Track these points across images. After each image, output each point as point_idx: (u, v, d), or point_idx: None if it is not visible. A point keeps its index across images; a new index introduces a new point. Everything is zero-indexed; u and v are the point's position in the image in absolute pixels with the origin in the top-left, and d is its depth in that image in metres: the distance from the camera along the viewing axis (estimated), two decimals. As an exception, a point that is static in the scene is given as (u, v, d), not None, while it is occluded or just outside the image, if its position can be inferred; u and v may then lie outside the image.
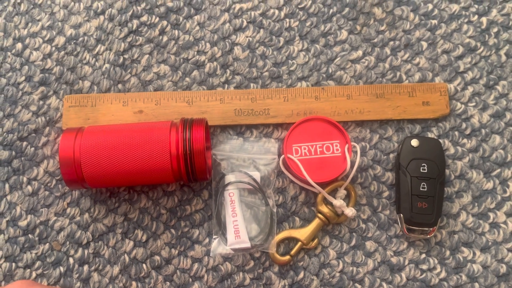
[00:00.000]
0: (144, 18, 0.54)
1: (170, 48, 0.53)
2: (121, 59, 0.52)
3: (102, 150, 0.44)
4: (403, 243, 0.48)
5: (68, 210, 0.49)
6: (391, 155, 0.50)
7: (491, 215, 0.49)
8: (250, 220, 0.48)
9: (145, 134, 0.45)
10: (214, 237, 0.48)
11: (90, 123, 0.50)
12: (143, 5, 0.54)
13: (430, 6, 0.54)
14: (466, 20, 0.53)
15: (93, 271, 0.48)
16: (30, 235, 0.48)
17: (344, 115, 0.51)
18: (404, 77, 0.52)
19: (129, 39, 0.53)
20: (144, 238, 0.48)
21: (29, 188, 0.49)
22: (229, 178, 0.49)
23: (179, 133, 0.45)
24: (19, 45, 0.53)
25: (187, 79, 0.52)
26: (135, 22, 0.53)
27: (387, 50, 0.53)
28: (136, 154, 0.44)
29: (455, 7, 0.54)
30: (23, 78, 0.52)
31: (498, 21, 0.53)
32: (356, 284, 0.47)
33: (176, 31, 0.53)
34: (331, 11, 0.54)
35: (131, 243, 0.48)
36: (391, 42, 0.53)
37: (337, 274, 0.48)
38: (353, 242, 0.48)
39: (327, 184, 0.48)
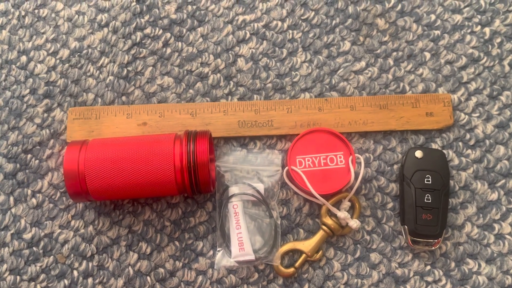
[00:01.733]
0: (148, 31, 0.54)
1: (173, 60, 0.53)
2: (125, 71, 0.53)
3: (107, 163, 0.44)
4: (407, 254, 0.48)
5: (72, 222, 0.49)
6: (395, 166, 0.50)
7: (496, 226, 0.48)
8: (254, 232, 0.48)
9: (149, 147, 0.45)
10: (218, 249, 0.48)
11: (94, 136, 0.50)
12: (146, 17, 0.54)
13: (433, 17, 0.54)
14: (469, 30, 0.53)
15: (98, 284, 0.48)
16: (34, 248, 0.49)
17: (347, 126, 0.51)
18: (407, 88, 0.52)
19: (132, 51, 0.53)
20: (148, 250, 0.48)
21: (34, 200, 0.50)
22: (233, 190, 0.49)
23: (183, 146, 0.45)
24: (23, 58, 0.53)
25: (191, 91, 0.52)
26: (139, 34, 0.54)
27: (390, 61, 0.53)
28: (140, 167, 0.44)
29: (458, 18, 0.54)
30: (28, 91, 0.52)
31: (501, 32, 0.53)
32: (361, 296, 0.47)
33: (180, 43, 0.54)
34: (334, 22, 0.54)
35: (135, 255, 0.48)
36: (394, 53, 0.53)
37: (342, 286, 0.47)
38: (358, 254, 0.48)
39: (331, 196, 0.48)
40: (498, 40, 0.53)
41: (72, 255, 0.48)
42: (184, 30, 0.54)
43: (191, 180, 0.45)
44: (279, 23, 0.54)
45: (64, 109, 0.52)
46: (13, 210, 0.49)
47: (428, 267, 0.48)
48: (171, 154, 0.44)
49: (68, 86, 0.52)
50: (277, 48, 0.53)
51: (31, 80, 0.52)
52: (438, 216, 0.46)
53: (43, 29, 0.54)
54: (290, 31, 0.54)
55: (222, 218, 0.48)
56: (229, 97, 0.52)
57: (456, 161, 0.50)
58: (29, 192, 0.50)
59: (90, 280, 0.48)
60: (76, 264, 0.48)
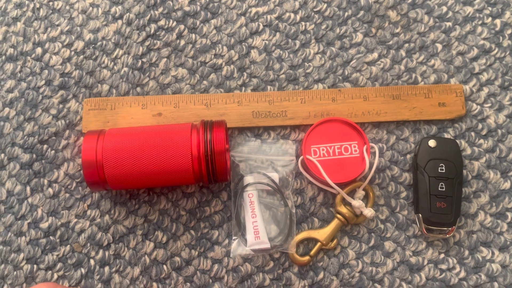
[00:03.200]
0: (162, 22, 0.54)
1: (187, 51, 0.54)
2: (139, 63, 0.53)
3: (124, 152, 0.45)
4: (421, 243, 0.48)
5: (89, 212, 0.50)
6: (408, 156, 0.51)
7: (509, 214, 0.49)
8: (269, 221, 0.49)
9: (166, 136, 0.45)
10: (233, 238, 0.48)
11: (110, 126, 0.51)
12: (160, 9, 0.55)
13: (445, 9, 0.54)
14: (480, 22, 0.54)
15: (114, 273, 0.48)
16: (51, 237, 0.49)
17: (361, 117, 0.51)
18: (419, 78, 0.53)
19: (147, 43, 0.54)
20: (164, 239, 0.49)
21: (50, 190, 0.50)
22: (248, 179, 0.49)
23: (200, 135, 0.45)
24: (38, 50, 0.53)
25: (205, 82, 0.53)
26: (153, 26, 0.54)
27: (402, 52, 0.53)
28: (157, 156, 0.45)
29: (469, 10, 0.54)
30: (43, 82, 0.53)
31: (511, 23, 0.54)
32: (376, 284, 0.48)
33: (193, 35, 0.54)
34: (346, 14, 0.54)
35: (152, 244, 0.49)
36: (406, 44, 0.53)
37: (357, 274, 0.48)
38: (372, 243, 0.49)
39: (345, 185, 0.49)
40: (509, 31, 0.54)
41: (88, 244, 0.49)
42: (198, 22, 0.54)
43: (208, 169, 0.45)
44: (292, 15, 0.55)
45: (79, 100, 0.52)
46: (29, 199, 0.50)
47: (442, 255, 0.48)
48: (188, 143, 0.45)
49: (83, 77, 0.53)
50: (290, 40, 0.54)
51: (46, 71, 0.53)
52: (452, 204, 0.47)
53: (58, 21, 0.54)
54: (303, 23, 0.54)
55: (238, 207, 0.49)
56: (243, 88, 0.53)
57: (469, 151, 0.51)
58: (46, 182, 0.50)
59: (106, 268, 0.48)
60: (93, 253, 0.49)
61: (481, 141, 0.51)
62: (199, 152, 0.45)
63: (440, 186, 0.47)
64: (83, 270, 0.48)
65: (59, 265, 0.48)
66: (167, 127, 0.47)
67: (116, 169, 0.45)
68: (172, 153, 0.45)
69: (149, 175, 0.45)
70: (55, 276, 0.48)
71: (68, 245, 0.49)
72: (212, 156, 0.45)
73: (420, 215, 0.47)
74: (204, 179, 0.46)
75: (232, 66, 0.53)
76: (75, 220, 0.49)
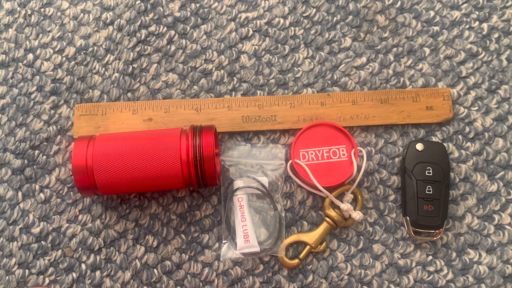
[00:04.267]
0: (152, 28, 0.55)
1: (178, 57, 0.54)
2: (130, 68, 0.54)
3: (114, 158, 0.45)
4: (410, 245, 0.49)
5: (80, 217, 0.50)
6: (397, 159, 0.51)
7: (496, 217, 0.50)
8: (259, 225, 0.49)
9: (156, 141, 0.46)
10: (223, 241, 0.49)
11: (101, 131, 0.51)
12: (151, 15, 0.55)
13: (432, 13, 0.55)
14: (467, 26, 0.54)
15: (105, 277, 0.49)
16: (43, 242, 0.49)
17: (349, 121, 0.52)
18: (407, 82, 0.53)
19: (137, 49, 0.54)
20: (155, 243, 0.49)
21: (42, 195, 0.50)
22: (238, 183, 0.50)
23: (189, 140, 0.46)
24: (30, 56, 0.54)
25: (195, 87, 0.53)
26: (144, 32, 0.55)
27: (391, 57, 0.54)
28: (147, 161, 0.45)
29: (456, 14, 0.55)
30: (35, 88, 0.53)
31: (498, 27, 0.54)
32: (365, 287, 0.48)
33: (184, 40, 0.55)
34: (335, 19, 0.55)
35: (142, 248, 0.49)
36: (394, 49, 0.54)
37: (346, 277, 0.48)
38: (361, 245, 0.49)
39: (334, 188, 0.49)
40: (496, 35, 0.54)
41: (80, 248, 0.49)
42: (188, 28, 0.55)
43: (197, 173, 0.45)
44: (281, 20, 0.55)
45: (71, 106, 0.53)
46: (21, 205, 0.50)
47: (430, 257, 0.49)
48: (178, 148, 0.45)
49: (74, 83, 0.53)
50: (279, 45, 0.54)
51: (38, 77, 0.53)
52: (439, 207, 0.47)
53: (49, 27, 0.55)
54: (292, 28, 0.55)
55: (227, 211, 0.49)
56: (233, 93, 0.53)
57: (456, 154, 0.51)
58: (37, 187, 0.51)
59: (98, 273, 0.49)
60: (84, 258, 0.49)
61: (469, 144, 0.51)
62: (188, 157, 0.45)
63: (427, 189, 0.48)
64: (74, 275, 0.49)
65: (51, 269, 0.49)
66: (156, 132, 0.47)
67: (106, 175, 0.45)
68: (162, 158, 0.45)
69: (139, 180, 0.46)
70: (47, 280, 0.49)
71: (60, 250, 0.49)
72: (201, 161, 0.45)
73: (407, 218, 0.48)
74: (194, 183, 0.46)
75: (222, 71, 0.54)
76: (67, 225, 0.50)
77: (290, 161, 0.49)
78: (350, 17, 0.55)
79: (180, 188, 0.48)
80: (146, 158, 0.45)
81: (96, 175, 0.45)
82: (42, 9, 0.55)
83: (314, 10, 0.55)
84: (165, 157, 0.45)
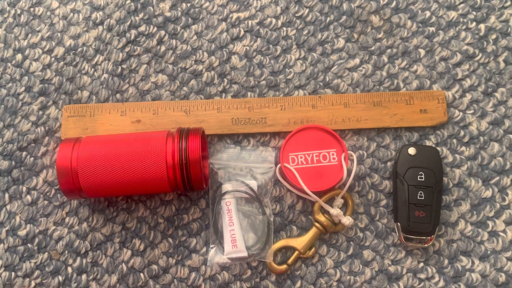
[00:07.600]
0: (142, 28, 0.54)
1: (168, 57, 0.53)
2: (119, 69, 0.53)
3: (99, 161, 0.45)
4: (401, 252, 0.48)
5: (67, 219, 0.49)
6: (389, 163, 0.50)
7: (490, 223, 0.48)
8: (247, 229, 0.48)
9: (142, 144, 0.45)
10: (211, 246, 0.48)
11: (89, 133, 0.51)
12: (141, 15, 0.54)
13: (428, 14, 0.53)
14: (464, 27, 0.53)
15: (91, 280, 0.48)
16: (29, 245, 0.49)
17: (341, 124, 0.51)
18: (401, 84, 0.52)
19: (127, 49, 0.53)
20: (142, 247, 0.49)
21: (29, 197, 0.50)
22: (226, 187, 0.49)
23: (175, 143, 0.45)
24: (19, 56, 0.53)
25: (185, 88, 0.53)
26: (133, 32, 0.54)
27: (385, 58, 0.53)
28: (132, 164, 0.44)
29: (453, 14, 0.53)
30: (23, 88, 0.53)
31: (496, 28, 0.53)
32: (354, 294, 0.47)
33: (174, 41, 0.54)
34: (328, 19, 0.54)
35: (129, 252, 0.49)
36: (389, 50, 0.53)
37: (334, 283, 0.47)
38: (351, 251, 0.48)
39: (324, 193, 0.48)
40: (493, 36, 0.53)
41: (66, 251, 0.49)
42: (179, 28, 0.54)
43: (183, 177, 0.45)
44: (273, 21, 0.54)
45: (59, 107, 0.52)
46: (8, 207, 0.50)
47: (421, 264, 0.48)
48: (163, 151, 0.45)
49: (63, 84, 0.53)
50: (271, 46, 0.53)
51: (26, 78, 0.53)
52: (431, 213, 0.46)
53: (39, 27, 0.54)
54: (284, 28, 0.54)
55: (215, 215, 0.48)
56: (223, 95, 0.52)
57: (450, 158, 0.50)
58: (24, 189, 0.50)
59: (84, 276, 0.48)
60: (70, 261, 0.49)
61: (463, 148, 0.50)
62: (174, 160, 0.44)
63: (419, 194, 0.47)
64: (60, 278, 0.48)
65: (37, 272, 0.48)
66: (143, 135, 0.46)
67: (91, 178, 0.45)
68: (147, 161, 0.45)
69: (125, 183, 0.45)
70: (33, 283, 0.48)
71: (46, 253, 0.49)
72: (187, 165, 0.44)
73: (398, 223, 0.47)
74: (180, 187, 0.46)
75: (212, 72, 0.53)
76: (53, 227, 0.49)
77: (279, 165, 0.48)
78: (344, 18, 0.54)
79: (167, 191, 0.47)
80: (131, 161, 0.45)
81: (80, 178, 0.45)
82: (32, 9, 0.55)
83: (307, 10, 0.54)
84: (151, 160, 0.44)
